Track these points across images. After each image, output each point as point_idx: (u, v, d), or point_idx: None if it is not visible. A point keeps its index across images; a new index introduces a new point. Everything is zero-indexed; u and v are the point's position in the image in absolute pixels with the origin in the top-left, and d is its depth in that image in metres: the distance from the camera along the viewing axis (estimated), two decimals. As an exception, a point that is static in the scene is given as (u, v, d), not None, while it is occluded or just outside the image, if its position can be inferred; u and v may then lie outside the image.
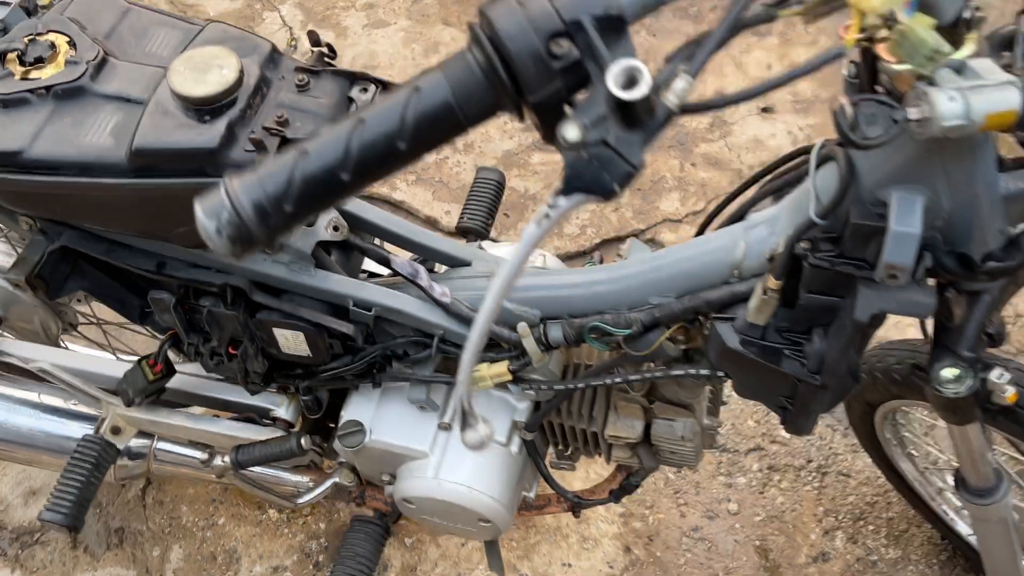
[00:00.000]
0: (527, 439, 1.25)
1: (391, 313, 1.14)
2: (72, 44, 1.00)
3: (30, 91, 0.96)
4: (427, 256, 1.23)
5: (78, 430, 1.36)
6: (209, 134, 0.92)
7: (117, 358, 1.52)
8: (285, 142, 0.92)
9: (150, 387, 1.23)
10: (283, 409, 1.31)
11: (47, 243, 1.12)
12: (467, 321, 1.12)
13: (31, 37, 0.99)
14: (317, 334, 1.13)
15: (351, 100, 0.96)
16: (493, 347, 1.15)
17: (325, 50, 0.98)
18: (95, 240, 1.09)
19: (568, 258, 2.05)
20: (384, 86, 0.97)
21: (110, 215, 1.02)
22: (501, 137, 2.26)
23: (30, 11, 1.08)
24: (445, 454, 1.21)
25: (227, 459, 1.22)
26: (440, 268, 1.27)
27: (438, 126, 0.57)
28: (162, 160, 0.92)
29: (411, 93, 0.56)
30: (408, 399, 1.20)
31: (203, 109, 0.93)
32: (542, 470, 1.29)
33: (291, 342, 1.16)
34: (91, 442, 1.26)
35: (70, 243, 1.09)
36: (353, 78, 0.97)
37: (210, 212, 0.58)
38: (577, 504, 1.34)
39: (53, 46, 0.99)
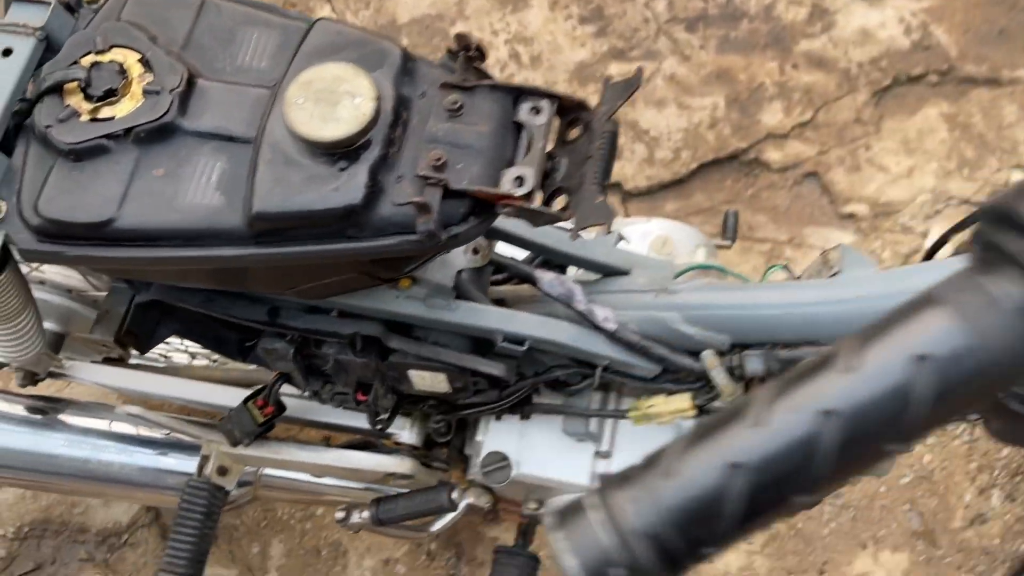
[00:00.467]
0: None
1: (547, 345, 0.96)
2: (146, 64, 0.77)
3: (106, 136, 0.74)
4: (575, 265, 1.04)
5: (175, 463, 1.21)
6: (350, 188, 0.71)
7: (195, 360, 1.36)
8: (449, 194, 0.71)
9: (259, 429, 1.07)
10: (407, 432, 1.15)
11: (131, 293, 0.93)
12: (638, 349, 0.94)
13: (93, 60, 0.76)
14: (460, 373, 0.96)
15: (519, 126, 0.75)
16: (667, 375, 0.98)
17: (475, 54, 0.75)
18: (191, 292, 0.90)
19: (663, 187, 1.84)
20: (560, 100, 0.75)
21: (220, 281, 0.82)
22: (572, 46, 2.00)
23: (72, 7, 0.85)
24: (607, 487, 1.05)
25: (365, 515, 1.07)
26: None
27: (953, 407, 0.37)
28: (292, 225, 0.72)
29: (912, 365, 0.36)
30: (564, 432, 1.04)
31: (336, 153, 0.72)
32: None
33: (428, 381, 0.98)
34: (198, 488, 1.11)
35: (162, 296, 0.90)
36: (518, 93, 0.75)
37: (594, 569, 0.39)
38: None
39: (123, 70, 0.76)
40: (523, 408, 1.03)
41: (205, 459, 1.15)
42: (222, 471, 1.15)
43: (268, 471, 1.23)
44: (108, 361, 1.38)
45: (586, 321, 0.95)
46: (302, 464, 1.14)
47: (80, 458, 1.18)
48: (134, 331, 0.93)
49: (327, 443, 1.20)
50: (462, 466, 1.25)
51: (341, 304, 0.91)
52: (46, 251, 0.74)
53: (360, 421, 1.18)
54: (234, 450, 1.13)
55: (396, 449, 1.16)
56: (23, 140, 0.78)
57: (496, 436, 1.08)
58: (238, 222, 0.72)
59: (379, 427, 1.06)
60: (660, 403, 0.96)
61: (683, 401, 0.95)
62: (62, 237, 0.74)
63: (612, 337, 0.95)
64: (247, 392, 1.20)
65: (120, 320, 0.92)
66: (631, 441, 1.07)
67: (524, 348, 0.94)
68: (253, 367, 1.37)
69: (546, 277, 0.97)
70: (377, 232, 0.73)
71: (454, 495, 1.04)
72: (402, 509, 1.04)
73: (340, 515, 1.08)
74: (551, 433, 1.07)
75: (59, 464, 1.18)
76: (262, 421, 1.06)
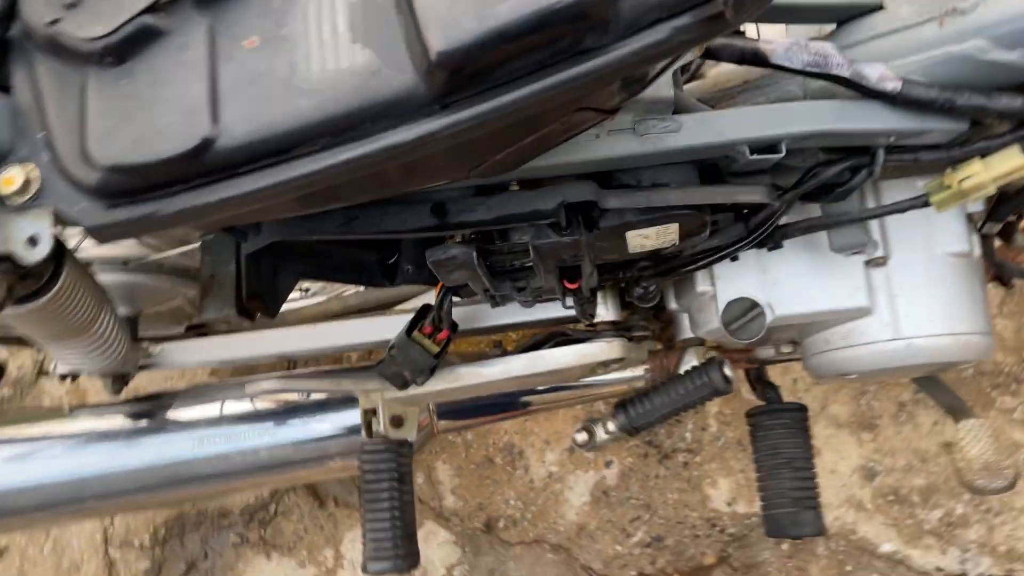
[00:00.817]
0: (991, 234, 0.84)
1: (809, 140, 0.68)
2: None
3: (149, 10, 0.45)
4: (793, 20, 0.75)
5: (331, 427, 0.97)
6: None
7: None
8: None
9: (435, 361, 0.82)
10: (602, 308, 0.90)
11: (234, 243, 0.66)
12: (936, 107, 0.67)
13: None
14: (698, 216, 0.69)
15: None
16: (969, 133, 0.70)
17: None
18: (323, 219, 0.62)
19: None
20: None
21: (378, 185, 0.54)
22: None
23: None
24: (895, 302, 0.81)
25: (611, 427, 0.83)
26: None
27: None
28: (498, 58, 0.44)
29: None
30: (833, 248, 0.78)
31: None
32: (994, 259, 0.89)
33: (653, 239, 0.72)
34: (378, 451, 0.88)
35: (283, 235, 0.63)
36: None
37: None
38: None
39: None
40: (772, 236, 0.77)
41: (370, 414, 0.91)
42: (397, 422, 0.91)
43: (442, 401, 1.00)
44: (191, 330, 1.13)
45: (853, 89, 0.67)
46: (492, 384, 0.90)
47: (218, 454, 0.95)
48: (256, 293, 0.67)
49: (502, 349, 0.95)
50: (666, 329, 1.01)
51: (526, 172, 0.64)
52: (126, 220, 0.47)
53: (540, 312, 0.94)
54: (403, 393, 0.89)
55: (594, 333, 0.91)
56: (20, 62, 0.49)
57: (730, 281, 0.83)
58: (408, 81, 0.44)
59: (589, 313, 0.81)
60: (978, 170, 0.69)
61: (1015, 158, 0.68)
62: (142, 191, 0.46)
63: (895, 100, 0.67)
64: (381, 321, 0.95)
65: (234, 284, 0.65)
66: (908, 236, 0.81)
67: (781, 155, 0.67)
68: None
69: (780, 46, 0.68)
70: (628, 29, 0.44)
71: (727, 371, 0.80)
72: (663, 407, 0.80)
73: (582, 437, 0.84)
74: (803, 257, 0.82)
75: (197, 468, 0.95)
76: (438, 351, 0.81)
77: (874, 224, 0.81)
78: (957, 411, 0.91)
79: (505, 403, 1.02)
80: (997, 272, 0.92)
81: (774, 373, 1.25)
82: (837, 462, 1.27)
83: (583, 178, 0.67)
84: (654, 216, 0.68)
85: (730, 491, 1.31)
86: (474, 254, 0.66)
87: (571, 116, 0.53)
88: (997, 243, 0.88)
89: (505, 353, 0.95)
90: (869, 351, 0.82)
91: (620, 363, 0.93)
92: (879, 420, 1.26)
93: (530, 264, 0.71)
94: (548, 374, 0.91)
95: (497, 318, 0.93)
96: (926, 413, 1.25)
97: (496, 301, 0.79)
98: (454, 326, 0.82)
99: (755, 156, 0.67)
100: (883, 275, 0.81)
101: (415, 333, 0.81)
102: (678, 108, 0.67)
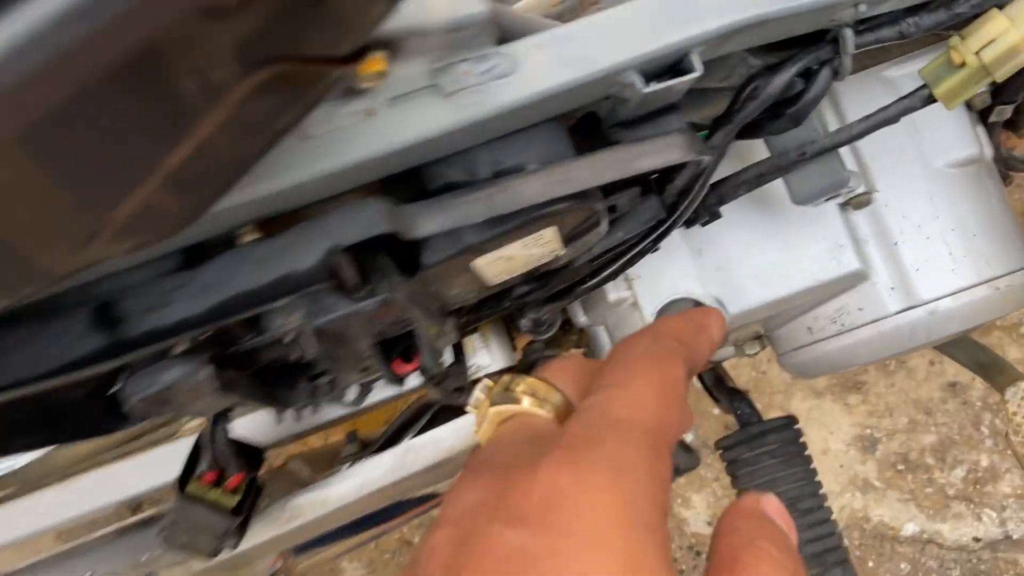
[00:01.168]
0: (1000, 121, 0.58)
1: (735, 41, 0.40)
2: None
3: None
4: None
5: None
6: None
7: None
8: None
9: (237, 519, 0.52)
10: (485, 354, 0.62)
11: None
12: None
13: None
14: (581, 206, 0.41)
15: None
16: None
17: None
18: None
19: None
20: None
21: None
22: None
23: None
24: (897, 253, 0.54)
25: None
26: None
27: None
28: None
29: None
30: (798, 199, 0.50)
31: None
32: (1000, 155, 0.64)
33: (519, 259, 0.43)
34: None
35: None
36: None
37: None
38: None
39: None
40: (705, 205, 0.49)
41: (179, 600, 0.60)
42: (222, 601, 0.61)
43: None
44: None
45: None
46: (350, 507, 0.60)
47: None
48: None
49: (357, 443, 0.66)
50: (583, 336, 0.73)
51: (262, 207, 0.34)
52: None
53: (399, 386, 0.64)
54: (218, 559, 0.58)
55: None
56: None
57: (654, 278, 0.55)
58: None
59: (456, 388, 0.52)
60: (1004, 27, 0.42)
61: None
62: None
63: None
64: (173, 451, 0.65)
65: None
66: (891, 153, 0.55)
67: (697, 73, 0.39)
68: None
69: None
70: None
71: (686, 438, 0.52)
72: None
73: None
74: (751, 223, 0.55)
75: None
76: (237, 502, 0.51)
77: (843, 150, 0.54)
78: (998, 372, 0.66)
79: (393, 505, 0.72)
80: (1001, 169, 0.67)
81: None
82: (827, 439, 1.02)
83: (371, 190, 0.37)
84: (510, 226, 0.39)
85: (707, 507, 1.05)
86: (209, 373, 0.36)
87: (244, 86, 0.23)
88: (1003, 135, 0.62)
89: (364, 448, 0.66)
90: (874, 333, 0.55)
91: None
92: (864, 376, 1.02)
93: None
94: (432, 469, 0.61)
95: (330, 410, 0.63)
96: (917, 354, 1.01)
97: (297, 412, 0.50)
98: (253, 457, 0.52)
99: (654, 86, 0.38)
100: (870, 218, 0.55)
101: (192, 485, 0.51)
102: (505, 34, 0.38)
